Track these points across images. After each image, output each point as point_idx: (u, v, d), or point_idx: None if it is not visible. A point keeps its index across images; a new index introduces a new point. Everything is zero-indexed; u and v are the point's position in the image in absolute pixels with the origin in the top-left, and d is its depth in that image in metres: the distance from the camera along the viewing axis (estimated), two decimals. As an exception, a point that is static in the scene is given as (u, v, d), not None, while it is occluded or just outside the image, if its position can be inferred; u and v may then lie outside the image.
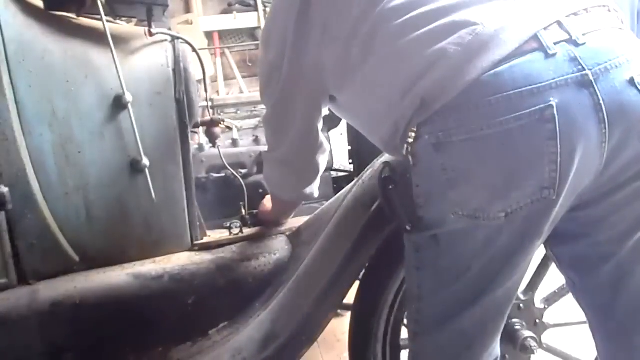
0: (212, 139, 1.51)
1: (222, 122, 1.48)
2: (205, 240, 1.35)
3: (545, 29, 0.78)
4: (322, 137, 1.20)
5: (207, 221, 1.40)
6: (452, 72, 0.77)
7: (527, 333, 1.30)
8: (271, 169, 1.27)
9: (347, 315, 1.41)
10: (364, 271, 1.26)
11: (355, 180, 1.28)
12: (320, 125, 1.17)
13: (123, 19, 1.42)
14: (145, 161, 1.18)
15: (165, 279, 1.22)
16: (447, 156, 0.80)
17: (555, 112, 0.73)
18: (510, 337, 1.30)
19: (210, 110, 1.53)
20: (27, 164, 1.09)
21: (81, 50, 1.16)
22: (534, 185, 0.77)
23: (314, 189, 1.29)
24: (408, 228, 0.90)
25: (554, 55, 0.76)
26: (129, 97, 1.15)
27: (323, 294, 1.21)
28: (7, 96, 1.05)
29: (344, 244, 1.21)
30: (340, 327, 1.93)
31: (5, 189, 1.06)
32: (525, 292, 1.36)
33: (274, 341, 1.21)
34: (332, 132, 1.86)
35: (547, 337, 1.39)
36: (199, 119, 1.40)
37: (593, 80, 0.75)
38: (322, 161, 1.25)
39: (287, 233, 1.40)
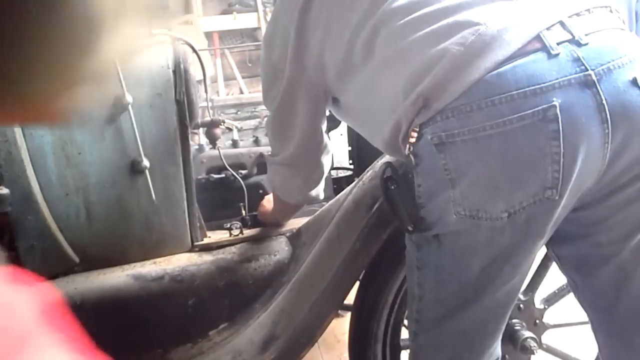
0: (212, 139, 1.51)
1: (222, 123, 1.48)
2: (206, 241, 1.35)
3: (548, 29, 0.78)
4: (325, 138, 1.19)
5: (207, 222, 1.39)
6: (455, 72, 0.77)
7: (527, 333, 1.30)
8: (275, 173, 1.25)
9: (347, 315, 1.41)
10: (364, 271, 1.26)
11: (356, 181, 1.28)
12: (324, 126, 1.17)
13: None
14: (146, 162, 1.18)
15: (165, 280, 1.22)
16: (450, 156, 0.80)
17: (558, 112, 0.73)
18: (510, 338, 1.30)
19: (211, 111, 1.53)
20: (28, 165, 1.09)
21: (81, 51, 1.15)
22: (536, 186, 0.77)
23: (320, 190, 1.28)
24: (410, 228, 0.90)
25: (556, 55, 0.76)
26: (129, 98, 1.15)
27: (323, 296, 1.21)
28: (7, 97, 1.05)
29: (344, 245, 1.21)
30: (340, 327, 1.93)
31: (5, 190, 1.06)
32: (525, 292, 1.36)
33: (274, 342, 1.21)
34: (332, 133, 1.85)
35: (547, 338, 1.39)
36: (199, 120, 1.40)
37: (596, 81, 0.75)
38: (327, 162, 1.24)
39: (287, 234, 1.40)
